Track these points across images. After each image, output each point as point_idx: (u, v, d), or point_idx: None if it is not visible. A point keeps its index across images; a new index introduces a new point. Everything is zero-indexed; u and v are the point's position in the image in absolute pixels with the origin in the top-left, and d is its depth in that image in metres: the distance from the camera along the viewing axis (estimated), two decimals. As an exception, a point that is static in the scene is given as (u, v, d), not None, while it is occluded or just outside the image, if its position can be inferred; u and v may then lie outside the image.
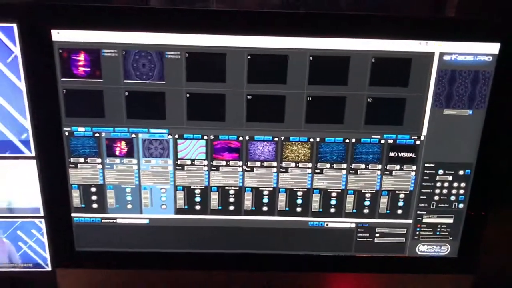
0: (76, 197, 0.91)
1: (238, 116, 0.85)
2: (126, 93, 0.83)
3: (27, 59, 0.82)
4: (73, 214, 0.92)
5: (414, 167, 0.89)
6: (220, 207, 0.91)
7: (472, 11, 0.90)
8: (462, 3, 0.89)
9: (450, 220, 0.93)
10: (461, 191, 0.91)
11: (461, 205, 0.92)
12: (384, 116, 0.85)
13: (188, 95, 0.84)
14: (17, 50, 0.83)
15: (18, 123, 0.86)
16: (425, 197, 0.91)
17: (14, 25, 0.82)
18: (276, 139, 0.87)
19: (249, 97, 0.84)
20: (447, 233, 0.94)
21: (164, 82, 0.83)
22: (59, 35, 0.80)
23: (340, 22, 0.81)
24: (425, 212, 0.92)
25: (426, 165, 0.89)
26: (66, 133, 0.86)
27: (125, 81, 0.83)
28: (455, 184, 0.90)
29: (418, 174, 0.89)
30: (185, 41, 0.81)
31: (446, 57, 0.82)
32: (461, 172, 0.89)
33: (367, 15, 0.80)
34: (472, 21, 0.81)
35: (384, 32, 0.80)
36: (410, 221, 0.93)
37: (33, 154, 0.88)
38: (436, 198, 0.91)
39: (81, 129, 0.86)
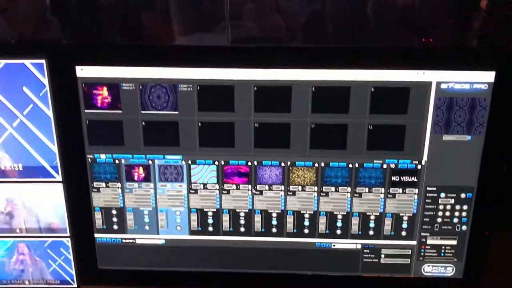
0: (98, 219, 0.98)
1: (247, 142, 0.91)
2: (143, 123, 0.91)
3: (55, 92, 0.91)
4: (96, 235, 0.99)
5: (416, 191, 0.92)
6: (231, 229, 0.97)
7: (467, 40, 0.94)
8: (456, 33, 0.93)
9: (454, 242, 0.95)
10: (464, 214, 0.93)
11: (464, 227, 0.94)
12: (385, 142, 0.90)
13: (200, 124, 0.90)
14: (46, 84, 0.91)
15: (49, 150, 0.94)
16: (428, 219, 0.94)
17: (43, 61, 0.91)
18: (283, 164, 0.92)
19: (256, 125, 0.90)
20: (451, 254, 0.96)
21: (177, 112, 0.90)
22: (82, 71, 0.88)
23: (340, 55, 0.86)
24: (429, 234, 0.95)
25: (428, 188, 0.92)
26: (89, 160, 0.94)
27: (142, 112, 0.90)
28: (457, 207, 0.93)
29: (421, 197, 0.93)
30: (196, 74, 0.88)
31: (443, 86, 0.86)
32: (462, 195, 0.92)
33: (366, 47, 0.85)
34: (467, 50, 0.85)
35: (382, 63, 0.85)
36: (415, 242, 0.96)
37: (61, 179, 0.96)
38: (439, 220, 0.94)
39: (103, 156, 0.93)
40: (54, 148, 0.94)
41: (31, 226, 1.00)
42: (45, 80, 0.90)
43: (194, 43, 0.91)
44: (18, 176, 0.96)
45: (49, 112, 0.92)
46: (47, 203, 0.98)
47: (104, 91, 0.89)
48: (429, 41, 0.90)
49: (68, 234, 1.01)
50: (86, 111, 0.90)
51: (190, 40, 0.94)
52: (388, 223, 0.95)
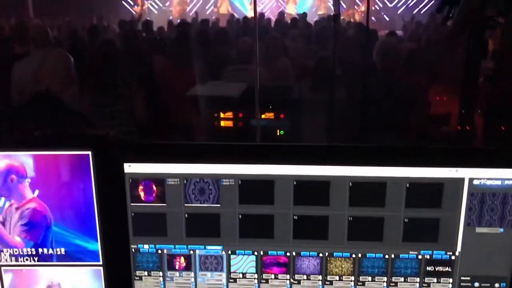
0: (139, 306, 1.00)
1: (286, 234, 0.94)
2: (186, 215, 0.94)
3: (100, 185, 0.95)
4: (135, 320, 1.01)
5: (450, 280, 0.95)
6: (269, 316, 0.99)
7: (498, 141, 0.98)
8: (488, 134, 0.97)
9: (489, 330, 0.97)
10: (498, 303, 0.95)
11: (498, 316, 0.96)
12: (420, 234, 0.93)
13: (240, 216, 0.94)
14: (91, 176, 0.95)
15: (93, 238, 0.97)
16: (463, 307, 0.96)
17: (89, 153, 0.95)
18: (320, 254, 0.95)
19: (295, 217, 0.93)
20: None
21: (219, 205, 0.93)
22: (130, 168, 0.92)
23: (377, 153, 0.90)
24: (464, 322, 0.97)
25: (462, 278, 0.95)
26: (133, 250, 0.97)
27: (185, 205, 0.94)
28: (492, 296, 0.95)
29: (455, 287, 0.95)
30: (238, 170, 0.92)
31: (475, 182, 0.90)
32: (496, 285, 0.94)
33: (403, 146, 0.90)
34: (498, 150, 0.89)
35: (417, 161, 0.89)
36: (450, 330, 0.97)
37: (101, 263, 0.99)
38: (474, 308, 0.96)
39: (146, 246, 0.96)
40: (97, 236, 0.97)
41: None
42: (92, 173, 0.95)
43: (235, 141, 0.96)
44: (60, 260, 0.99)
45: (91, 202, 0.96)
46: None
47: (150, 186, 0.93)
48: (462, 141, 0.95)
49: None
50: (132, 204, 0.94)
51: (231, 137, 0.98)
52: (423, 311, 0.97)
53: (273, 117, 3.05)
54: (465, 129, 2.01)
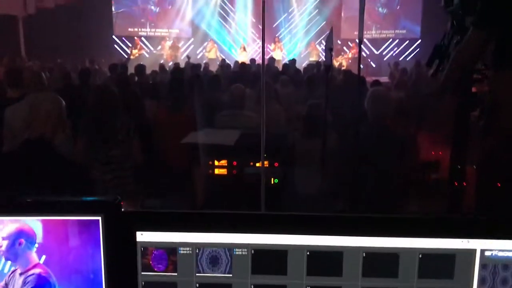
0: None
1: (298, 304, 0.93)
2: (197, 285, 0.93)
3: (109, 251, 0.93)
4: None
5: None
6: None
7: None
8: (498, 205, 0.99)
9: None
10: None
11: None
12: (433, 305, 0.92)
13: (252, 286, 0.93)
14: (100, 242, 0.94)
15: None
16: None
17: (100, 218, 0.94)
18: (333, 326, 0.94)
19: (308, 287, 0.92)
20: None
21: (231, 275, 0.92)
22: (142, 236, 0.92)
23: (389, 224, 0.91)
24: None
25: None
26: (141, 320, 0.94)
27: (197, 274, 0.92)
28: None
29: None
30: (251, 239, 0.91)
31: (487, 253, 0.91)
32: None
33: (414, 218, 0.91)
34: (509, 221, 0.91)
35: (429, 232, 0.90)
36: None
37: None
38: None
39: (155, 317, 0.94)
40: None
41: None
42: (101, 239, 0.93)
43: (248, 211, 0.96)
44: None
45: (103, 270, 0.94)
46: None
47: (162, 255, 0.92)
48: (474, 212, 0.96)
49: None
50: (143, 273, 0.93)
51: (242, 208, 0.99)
52: None
53: (267, 165, 3.06)
54: (461, 185, 2.04)
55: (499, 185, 1.91)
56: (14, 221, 0.94)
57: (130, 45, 14.32)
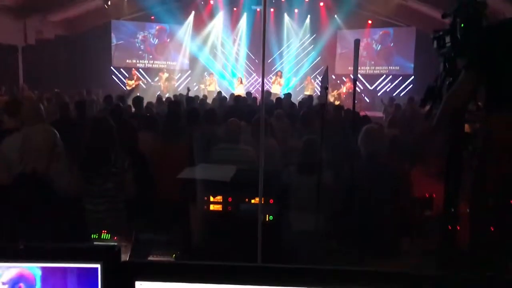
0: None
1: None
2: (195, 335, 0.93)
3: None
4: None
5: None
6: None
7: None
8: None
9: None
10: None
11: None
12: None
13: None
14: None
15: None
16: None
17: (98, 266, 0.95)
18: None
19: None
20: None
21: (229, 324, 0.92)
22: (141, 286, 0.92)
23: (390, 280, 0.92)
24: None
25: None
26: None
27: (194, 324, 0.92)
28: None
29: None
30: (249, 289, 0.92)
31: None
32: None
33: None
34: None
35: None
36: None
37: None
38: None
39: None
40: None
41: None
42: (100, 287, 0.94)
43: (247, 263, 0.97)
44: None
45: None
46: None
47: (160, 304, 0.92)
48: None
49: None
50: (140, 322, 0.93)
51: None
52: None
53: (262, 202, 3.06)
54: (454, 228, 2.04)
55: (492, 229, 1.93)
56: (15, 267, 0.95)
57: (127, 75, 14.48)
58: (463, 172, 2.80)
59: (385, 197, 3.35)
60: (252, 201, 3.06)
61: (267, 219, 3.06)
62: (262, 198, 3.00)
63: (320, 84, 12.22)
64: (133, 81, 13.72)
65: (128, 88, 13.15)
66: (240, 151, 4.27)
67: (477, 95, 2.44)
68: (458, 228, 2.17)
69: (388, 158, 3.96)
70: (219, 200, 3.10)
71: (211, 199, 3.11)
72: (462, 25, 2.88)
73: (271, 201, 3.07)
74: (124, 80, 14.45)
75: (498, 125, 2.32)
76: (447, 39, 2.97)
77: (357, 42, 3.31)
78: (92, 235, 2.72)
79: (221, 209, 3.09)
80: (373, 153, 3.50)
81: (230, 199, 3.09)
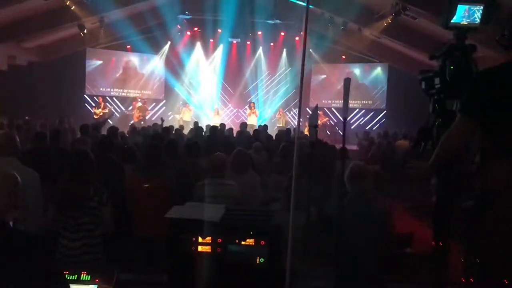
0: None
1: None
2: None
3: None
4: None
5: None
6: None
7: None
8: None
9: None
10: None
11: None
12: None
13: None
14: None
15: None
16: None
17: None
18: None
19: None
20: None
21: None
22: None
23: None
24: None
25: None
26: None
27: None
28: None
29: None
30: None
31: None
32: None
33: None
34: None
35: None
36: None
37: None
38: None
39: None
40: None
41: None
42: None
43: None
44: None
45: None
46: None
47: None
48: None
49: None
50: None
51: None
52: None
53: (253, 244, 2.94)
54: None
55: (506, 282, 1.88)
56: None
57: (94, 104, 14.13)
58: (452, 215, 2.80)
59: (373, 236, 3.31)
60: (242, 242, 2.93)
61: (257, 262, 2.93)
62: (252, 240, 2.89)
63: (295, 116, 12.31)
64: (100, 110, 13.39)
65: (95, 117, 12.85)
66: (225, 186, 4.16)
67: (473, 137, 2.44)
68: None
69: (374, 195, 3.95)
70: (208, 241, 2.96)
71: (200, 239, 2.96)
72: (452, 67, 2.93)
73: (263, 242, 2.95)
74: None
75: (494, 168, 2.31)
76: (436, 80, 3.00)
77: (347, 81, 3.30)
78: (71, 276, 2.52)
79: (210, 250, 2.95)
80: (360, 191, 3.48)
81: (219, 240, 2.95)
